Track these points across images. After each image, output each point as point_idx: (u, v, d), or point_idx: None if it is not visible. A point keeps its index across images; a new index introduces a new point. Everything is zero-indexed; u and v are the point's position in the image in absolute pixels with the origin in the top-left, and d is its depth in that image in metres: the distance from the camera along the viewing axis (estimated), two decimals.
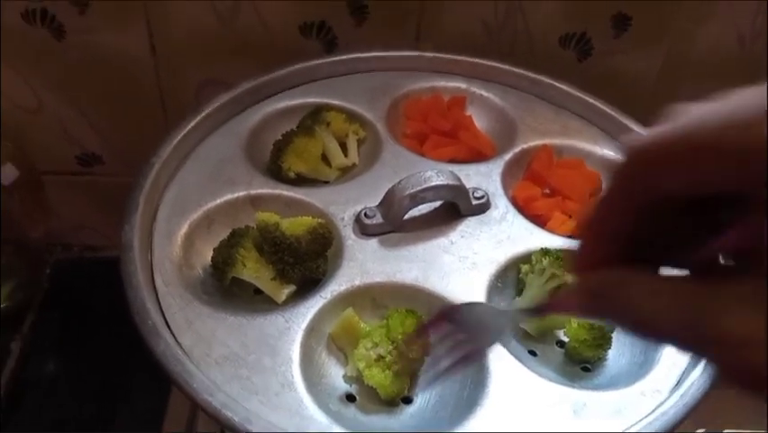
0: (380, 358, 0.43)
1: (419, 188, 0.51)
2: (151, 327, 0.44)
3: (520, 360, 0.46)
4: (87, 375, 0.80)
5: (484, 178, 0.58)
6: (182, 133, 0.56)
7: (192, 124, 0.57)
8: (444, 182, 0.52)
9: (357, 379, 0.46)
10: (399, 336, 0.44)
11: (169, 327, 0.45)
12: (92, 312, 0.87)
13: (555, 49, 0.74)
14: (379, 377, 0.43)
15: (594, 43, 0.74)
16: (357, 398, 0.46)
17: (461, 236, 0.53)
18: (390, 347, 0.44)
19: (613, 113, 0.62)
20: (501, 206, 0.56)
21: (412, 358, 0.44)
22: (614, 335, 0.48)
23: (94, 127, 0.80)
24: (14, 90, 0.76)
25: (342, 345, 0.47)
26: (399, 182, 0.52)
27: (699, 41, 0.74)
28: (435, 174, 0.52)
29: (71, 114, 0.78)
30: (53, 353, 0.82)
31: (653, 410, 0.43)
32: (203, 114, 0.58)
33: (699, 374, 0.44)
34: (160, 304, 0.47)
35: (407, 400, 0.46)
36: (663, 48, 0.75)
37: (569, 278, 0.48)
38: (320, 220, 0.50)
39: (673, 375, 0.46)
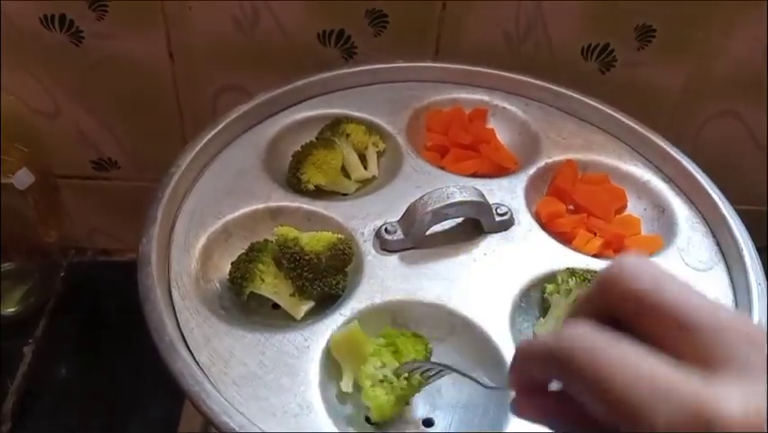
0: (385, 379, 0.42)
1: (442, 204, 0.50)
2: (169, 343, 0.43)
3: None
4: (100, 379, 0.80)
5: (507, 193, 0.56)
6: (201, 144, 0.55)
7: (211, 134, 0.56)
8: (467, 199, 0.51)
9: (352, 395, 0.44)
10: (410, 360, 0.43)
11: (186, 343, 0.45)
12: (105, 316, 0.87)
13: (577, 60, 0.73)
14: (381, 399, 0.42)
15: (617, 55, 0.73)
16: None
17: (484, 254, 0.52)
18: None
19: (638, 127, 0.61)
20: (525, 222, 0.54)
21: (415, 385, 0.43)
22: None
23: (110, 132, 0.80)
24: (32, 94, 0.76)
25: (341, 356, 0.45)
26: (421, 198, 0.51)
27: (724, 55, 0.73)
28: (458, 190, 0.51)
29: (88, 118, 0.78)
30: (66, 356, 0.82)
31: None
32: (222, 124, 0.57)
33: None
34: (177, 319, 0.46)
35: (428, 423, 0.45)
36: (688, 60, 0.74)
37: None
38: (340, 236, 0.50)
39: None
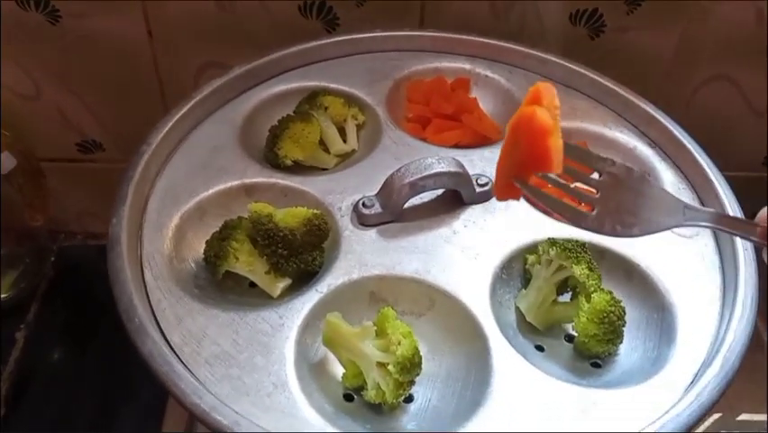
0: (382, 366, 0.41)
1: (419, 175, 0.49)
2: (138, 325, 0.42)
3: (526, 356, 0.44)
4: (92, 364, 0.79)
5: (489, 163, 0.55)
6: (173, 120, 0.54)
7: (184, 110, 0.55)
8: (446, 169, 0.50)
9: (326, 370, 0.44)
10: (397, 347, 0.42)
11: (158, 324, 0.44)
12: (96, 299, 0.86)
13: (566, 26, 0.71)
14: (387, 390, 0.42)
15: (606, 20, 0.71)
16: (355, 398, 0.44)
17: (464, 226, 0.51)
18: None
19: (624, 92, 0.59)
20: None
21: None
22: (625, 329, 0.45)
23: (93, 113, 0.78)
24: (12, 77, 0.74)
25: (336, 349, 0.44)
26: (399, 170, 0.50)
27: (716, 18, 0.71)
28: (437, 161, 0.50)
29: (70, 100, 0.77)
30: (58, 342, 0.82)
31: (667, 411, 0.41)
32: (195, 99, 0.56)
33: (716, 372, 0.42)
34: (149, 300, 0.45)
35: (408, 399, 0.44)
36: (679, 25, 0.72)
37: (577, 270, 0.45)
38: (315, 211, 0.48)
39: (688, 372, 0.43)
